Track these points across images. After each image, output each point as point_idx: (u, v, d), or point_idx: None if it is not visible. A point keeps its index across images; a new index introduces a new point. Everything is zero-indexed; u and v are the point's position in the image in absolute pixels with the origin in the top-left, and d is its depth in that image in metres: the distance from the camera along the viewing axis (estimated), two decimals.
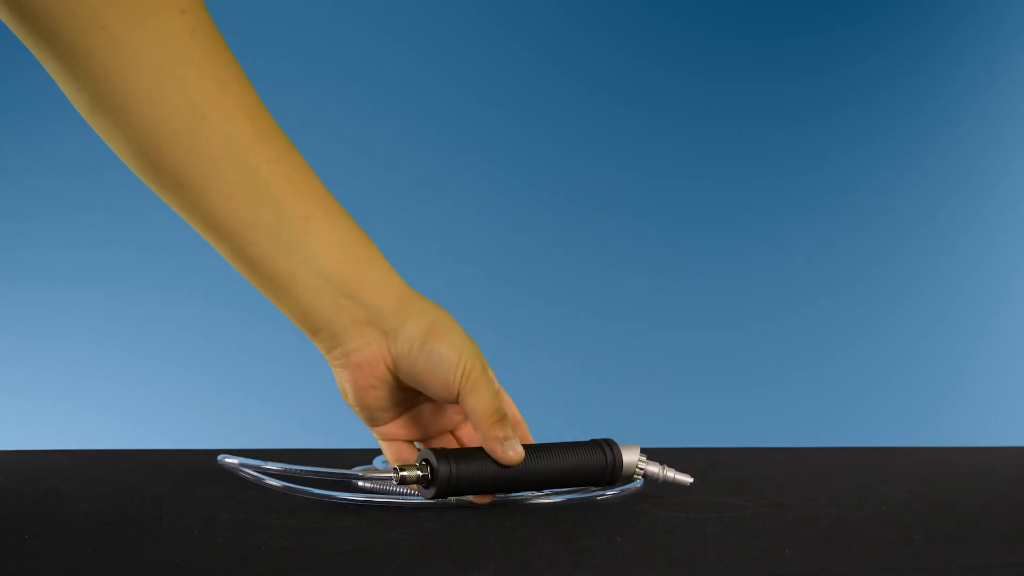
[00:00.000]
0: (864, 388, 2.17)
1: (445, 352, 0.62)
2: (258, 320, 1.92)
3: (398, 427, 0.68)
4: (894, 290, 2.20)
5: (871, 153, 2.21)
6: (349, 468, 0.75)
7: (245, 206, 0.60)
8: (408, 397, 0.66)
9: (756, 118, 2.21)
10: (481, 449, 0.64)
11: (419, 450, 0.67)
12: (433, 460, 0.62)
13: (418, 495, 0.64)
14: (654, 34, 2.20)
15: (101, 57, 0.56)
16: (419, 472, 0.62)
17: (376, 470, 0.68)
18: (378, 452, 0.80)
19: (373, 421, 0.67)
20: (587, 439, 0.69)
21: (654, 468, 0.69)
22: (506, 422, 0.63)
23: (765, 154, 2.20)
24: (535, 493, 0.68)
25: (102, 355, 2.01)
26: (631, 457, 0.68)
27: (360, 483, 0.70)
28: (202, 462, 0.84)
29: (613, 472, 0.67)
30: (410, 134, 2.11)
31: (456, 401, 0.63)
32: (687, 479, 0.69)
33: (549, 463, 0.65)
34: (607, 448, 0.68)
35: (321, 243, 0.61)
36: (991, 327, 2.20)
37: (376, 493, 0.68)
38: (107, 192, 1.91)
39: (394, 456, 0.68)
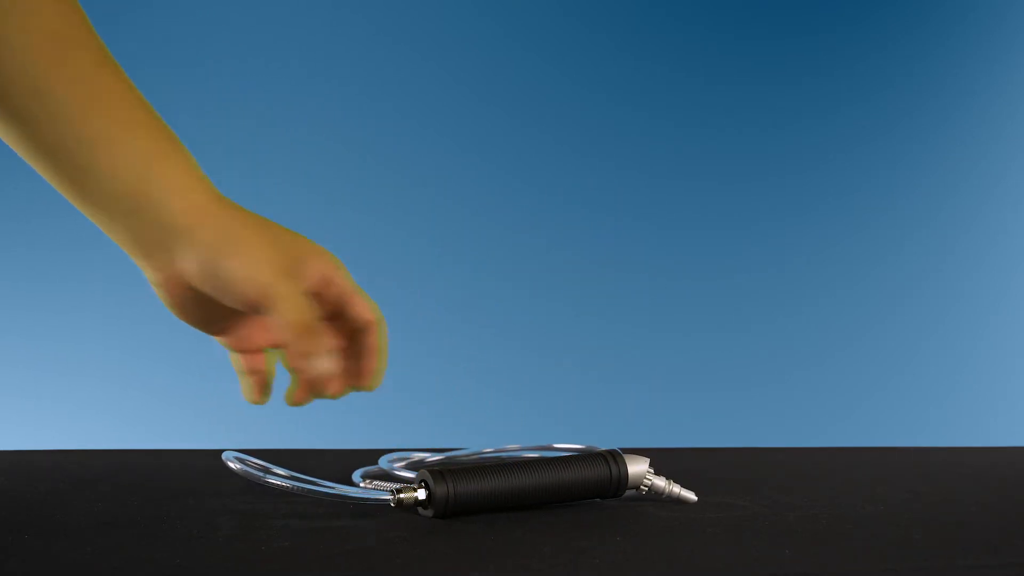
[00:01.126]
0: (864, 388, 2.17)
1: (234, 272, 0.59)
2: None
3: (240, 339, 0.65)
4: (894, 290, 2.20)
5: (871, 153, 2.21)
6: (349, 472, 0.75)
7: (46, 131, 0.59)
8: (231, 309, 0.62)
9: (756, 118, 2.20)
10: (481, 467, 0.64)
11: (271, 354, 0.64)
12: (430, 481, 0.62)
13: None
14: (654, 34, 2.20)
15: None
16: (416, 495, 0.63)
17: (376, 482, 0.68)
18: (382, 453, 0.80)
19: (211, 331, 0.64)
20: (592, 446, 0.68)
21: (660, 483, 0.68)
22: (312, 336, 0.59)
23: (765, 154, 2.20)
24: None
25: (102, 355, 2.01)
26: (637, 470, 0.68)
27: (362, 484, 0.70)
28: (202, 462, 0.84)
29: (619, 487, 0.67)
30: (410, 134, 2.11)
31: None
32: (691, 496, 0.68)
33: (552, 478, 0.65)
34: (613, 461, 0.67)
35: (113, 163, 0.59)
36: (991, 327, 2.20)
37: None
38: None
39: (248, 367, 0.65)
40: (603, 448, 0.70)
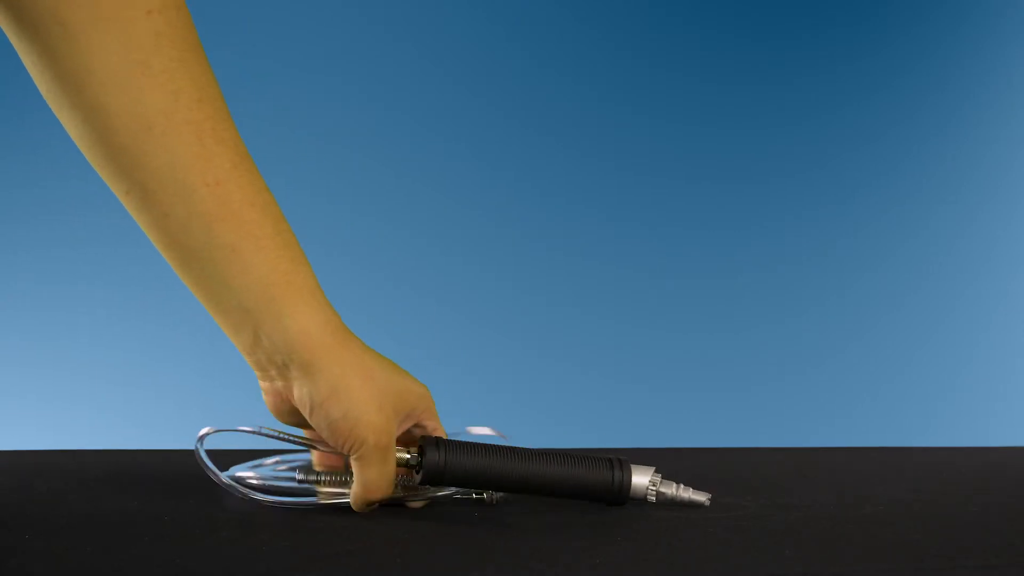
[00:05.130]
0: (864, 388, 2.17)
1: (337, 421, 0.61)
2: None
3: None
4: (894, 290, 2.20)
5: (871, 153, 2.21)
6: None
7: (179, 226, 0.59)
8: None
9: (756, 118, 2.20)
10: (478, 444, 0.64)
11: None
12: (425, 447, 0.63)
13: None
14: (654, 34, 2.20)
15: (58, 53, 0.55)
16: (406, 455, 0.63)
17: (312, 471, 0.68)
18: None
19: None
20: (598, 452, 0.67)
21: (668, 490, 0.66)
22: (377, 495, 0.63)
23: (765, 154, 2.20)
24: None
25: (102, 355, 2.00)
26: (642, 479, 0.66)
27: (297, 476, 0.69)
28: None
29: (619, 493, 0.66)
30: (410, 134, 2.11)
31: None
32: (703, 499, 0.67)
33: (550, 472, 0.65)
34: (616, 467, 0.66)
35: (243, 277, 0.60)
36: (991, 327, 2.20)
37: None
38: (106, 192, 1.91)
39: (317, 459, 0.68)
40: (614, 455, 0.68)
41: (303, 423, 0.64)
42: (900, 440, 2.04)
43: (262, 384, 0.64)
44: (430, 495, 0.67)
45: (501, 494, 0.66)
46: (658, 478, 0.66)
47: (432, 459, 0.62)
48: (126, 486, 0.73)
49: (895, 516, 0.65)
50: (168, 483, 0.75)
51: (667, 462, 0.71)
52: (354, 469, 0.62)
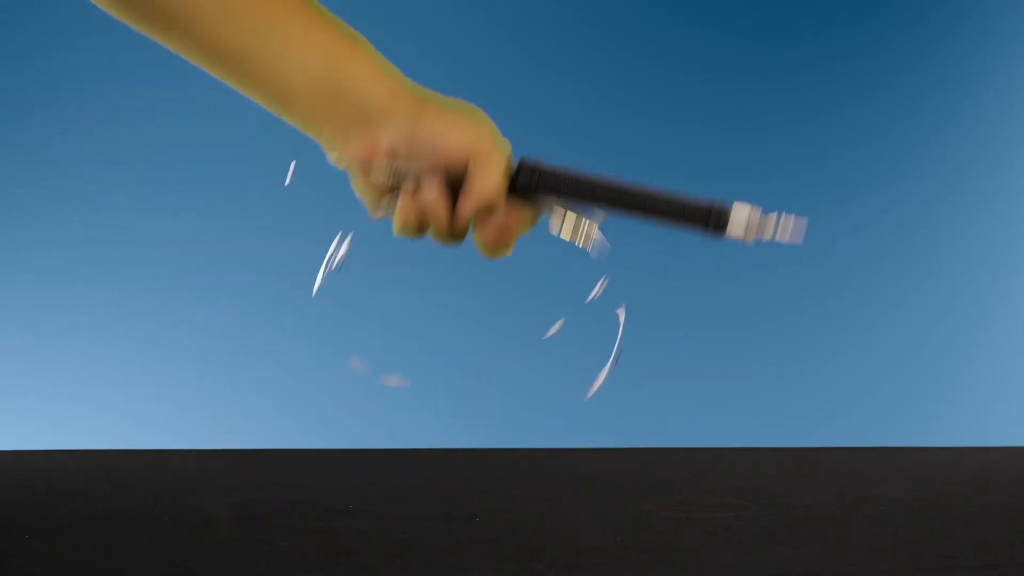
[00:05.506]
0: (864, 388, 2.17)
1: (448, 131, 0.63)
2: (258, 319, 1.92)
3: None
4: (894, 290, 2.20)
5: (871, 153, 2.21)
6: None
7: (228, 33, 0.61)
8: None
9: (756, 118, 2.20)
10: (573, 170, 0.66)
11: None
12: (523, 159, 0.65)
13: None
14: (654, 34, 2.20)
15: None
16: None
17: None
18: (380, 452, 0.80)
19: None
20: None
21: (768, 223, 0.67)
22: (496, 206, 0.65)
23: (765, 154, 2.20)
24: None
25: (102, 355, 2.00)
26: (742, 208, 0.67)
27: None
28: (202, 462, 0.84)
29: (720, 217, 0.67)
30: None
31: (462, 176, 0.64)
32: (789, 238, 0.67)
33: (647, 190, 0.68)
34: (714, 201, 0.67)
35: (300, 54, 0.62)
36: (991, 327, 2.20)
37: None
38: (106, 192, 1.91)
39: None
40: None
41: (392, 167, 0.65)
42: (900, 440, 2.04)
43: (340, 148, 0.65)
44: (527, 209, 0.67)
45: (596, 229, 0.67)
46: (758, 211, 0.67)
47: (528, 165, 0.64)
48: (126, 486, 0.73)
49: (895, 516, 0.65)
50: (168, 483, 0.75)
51: (668, 462, 0.71)
52: (473, 174, 0.63)
